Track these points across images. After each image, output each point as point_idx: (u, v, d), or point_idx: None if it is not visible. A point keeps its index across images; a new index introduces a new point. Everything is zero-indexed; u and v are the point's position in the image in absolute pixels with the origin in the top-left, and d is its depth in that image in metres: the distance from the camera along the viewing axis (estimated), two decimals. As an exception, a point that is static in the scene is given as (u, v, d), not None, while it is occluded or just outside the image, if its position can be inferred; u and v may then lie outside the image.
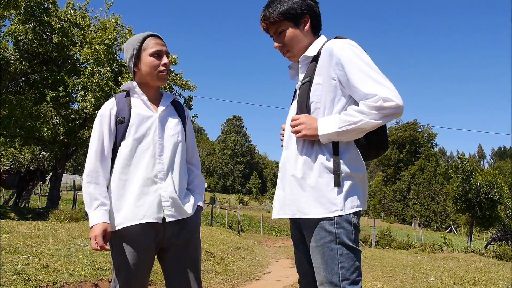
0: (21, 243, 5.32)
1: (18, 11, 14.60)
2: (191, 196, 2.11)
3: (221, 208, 36.77)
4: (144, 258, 1.94)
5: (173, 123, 2.09)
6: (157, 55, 2.04)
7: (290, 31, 1.87)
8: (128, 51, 2.07)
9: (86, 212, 1.95)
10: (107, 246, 1.89)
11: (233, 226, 23.28)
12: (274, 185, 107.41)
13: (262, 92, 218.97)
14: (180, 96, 17.91)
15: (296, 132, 1.77)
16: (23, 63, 15.45)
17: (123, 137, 1.99)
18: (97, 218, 1.87)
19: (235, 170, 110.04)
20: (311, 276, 1.88)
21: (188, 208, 2.05)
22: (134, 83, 2.07)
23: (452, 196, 24.73)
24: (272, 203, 2.08)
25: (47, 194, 23.34)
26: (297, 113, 1.83)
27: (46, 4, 15.65)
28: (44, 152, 21.05)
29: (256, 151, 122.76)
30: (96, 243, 1.84)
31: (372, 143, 1.88)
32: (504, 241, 20.64)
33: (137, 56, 2.04)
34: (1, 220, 8.18)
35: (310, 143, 1.79)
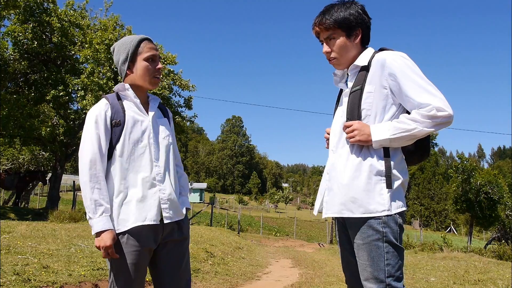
0: (20, 244, 5.31)
1: (17, 11, 14.58)
2: (183, 197, 2.15)
3: (220, 208, 36.79)
4: (144, 258, 1.96)
5: (164, 126, 2.13)
6: (152, 60, 2.05)
7: (341, 40, 1.95)
8: (121, 53, 2.06)
9: (85, 213, 1.94)
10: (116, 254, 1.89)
11: (233, 226, 23.29)
12: (273, 185, 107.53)
13: (261, 93, 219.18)
14: (180, 96, 17.90)
15: (349, 138, 1.87)
16: (23, 63, 15.43)
17: (118, 140, 1.97)
18: (103, 224, 1.85)
19: (235, 170, 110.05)
20: (358, 276, 1.95)
21: (183, 209, 2.10)
22: (127, 85, 2.06)
23: (452, 196, 24.72)
24: (313, 203, 2.15)
25: (46, 194, 23.36)
26: (347, 120, 1.92)
27: (45, 4, 15.63)
28: (43, 152, 21.04)
29: (255, 151, 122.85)
30: (108, 253, 1.84)
31: (419, 148, 1.97)
32: (504, 241, 20.64)
33: (132, 60, 2.04)
34: (0, 221, 8.17)
35: (360, 147, 1.90)
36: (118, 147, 1.96)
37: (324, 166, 2.10)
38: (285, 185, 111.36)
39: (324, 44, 1.99)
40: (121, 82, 2.12)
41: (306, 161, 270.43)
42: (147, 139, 2.01)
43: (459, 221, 46.80)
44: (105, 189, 1.91)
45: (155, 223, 1.95)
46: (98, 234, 1.85)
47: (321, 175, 2.18)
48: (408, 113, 1.88)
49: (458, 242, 24.19)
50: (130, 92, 2.05)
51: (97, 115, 1.96)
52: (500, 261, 10.99)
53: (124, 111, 2.00)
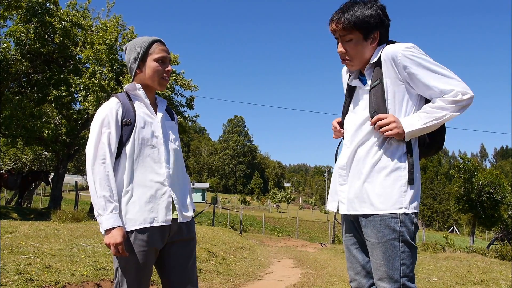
0: (23, 243, 5.33)
1: (20, 11, 14.60)
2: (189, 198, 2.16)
3: (223, 208, 36.79)
4: (151, 258, 1.97)
5: (171, 128, 2.15)
6: (162, 61, 2.06)
7: (358, 43, 1.89)
8: (132, 52, 2.07)
9: (88, 212, 1.95)
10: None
11: (235, 226, 23.30)
12: (275, 185, 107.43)
13: (263, 92, 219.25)
14: (182, 96, 17.90)
15: (386, 130, 1.82)
16: (25, 63, 15.45)
17: (127, 140, 1.97)
18: (113, 221, 1.85)
19: (237, 170, 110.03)
20: (363, 276, 1.96)
21: (191, 210, 2.11)
22: (138, 85, 2.07)
23: (454, 195, 24.61)
24: (328, 199, 2.07)
25: (49, 194, 23.41)
26: (373, 114, 1.87)
27: (47, 4, 15.66)
28: (46, 153, 21.09)
29: (257, 151, 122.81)
30: (118, 251, 1.84)
31: (435, 141, 1.97)
32: (506, 241, 20.60)
33: (142, 59, 2.05)
34: (3, 221, 8.20)
35: (381, 143, 1.87)
36: (128, 146, 1.97)
37: (326, 166, 2.10)
38: (287, 185, 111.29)
39: (340, 43, 1.94)
40: (123, 82, 2.12)
41: (308, 161, 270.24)
42: (156, 140, 2.02)
43: (462, 221, 46.60)
44: (115, 187, 1.91)
45: (164, 224, 1.96)
46: (108, 231, 1.85)
47: (323, 175, 2.17)
48: (427, 101, 1.88)
49: (461, 242, 24.13)
50: (141, 92, 2.07)
51: (107, 113, 1.97)
52: (503, 261, 10.95)
53: (134, 110, 2.01)
